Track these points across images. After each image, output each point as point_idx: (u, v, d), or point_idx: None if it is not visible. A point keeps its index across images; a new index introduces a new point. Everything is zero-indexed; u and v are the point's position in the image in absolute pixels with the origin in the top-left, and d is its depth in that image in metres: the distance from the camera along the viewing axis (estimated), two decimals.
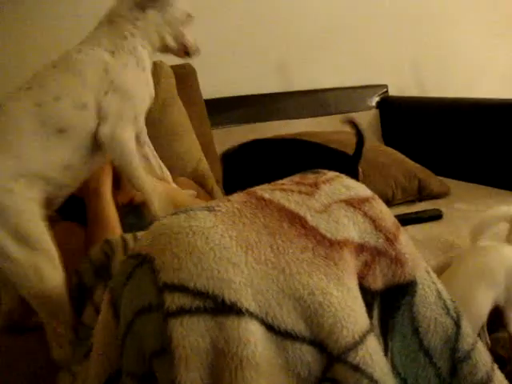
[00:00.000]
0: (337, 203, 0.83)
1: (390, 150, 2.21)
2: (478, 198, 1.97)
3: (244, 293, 0.68)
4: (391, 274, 0.81)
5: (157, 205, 1.20)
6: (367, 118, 2.59)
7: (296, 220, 0.78)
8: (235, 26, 2.35)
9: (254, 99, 2.19)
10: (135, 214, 1.33)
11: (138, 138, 1.27)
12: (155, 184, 1.27)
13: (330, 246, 0.77)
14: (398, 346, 0.81)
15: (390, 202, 1.86)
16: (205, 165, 1.93)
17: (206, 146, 2.01)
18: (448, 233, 1.68)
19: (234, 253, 0.71)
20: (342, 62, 2.61)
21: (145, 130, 1.31)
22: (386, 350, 0.79)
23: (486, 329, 1.42)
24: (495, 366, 0.85)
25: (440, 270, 1.51)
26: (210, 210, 0.77)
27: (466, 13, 3.05)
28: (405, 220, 1.70)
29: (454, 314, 0.84)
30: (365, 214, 0.83)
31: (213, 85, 2.06)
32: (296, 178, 0.90)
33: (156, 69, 1.79)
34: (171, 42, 1.34)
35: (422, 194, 1.96)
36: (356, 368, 0.69)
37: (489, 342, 1.45)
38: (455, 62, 2.99)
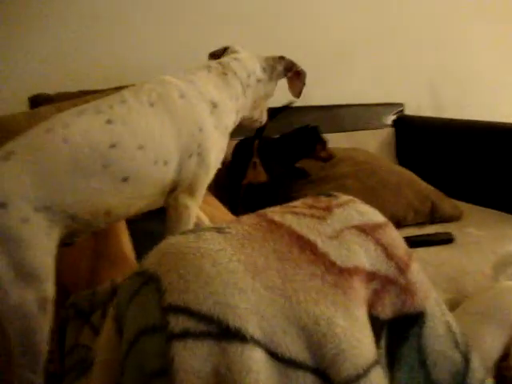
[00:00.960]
0: (349, 229, 0.81)
1: (403, 170, 2.20)
2: (490, 224, 1.95)
3: (249, 319, 0.68)
4: (400, 303, 0.80)
5: None
6: (382, 136, 2.59)
7: (306, 246, 0.77)
8: (249, 39, 2.34)
9: (269, 113, 2.18)
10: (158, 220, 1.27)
11: None
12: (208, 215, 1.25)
13: (339, 273, 0.75)
14: (405, 377, 0.79)
15: (400, 224, 1.84)
16: None
17: None
18: (459, 257, 1.67)
19: (241, 278, 0.70)
20: (359, 78, 2.61)
21: None
22: (391, 381, 0.77)
23: (493, 370, 1.41)
24: None
25: (451, 299, 1.51)
26: (219, 231, 0.77)
27: (485, 35, 3.04)
28: (415, 242, 1.69)
29: (464, 348, 0.82)
30: (377, 242, 0.82)
31: None
32: (309, 200, 0.89)
33: None
34: (257, 116, 1.32)
35: (434, 217, 1.94)
36: None
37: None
38: (472, 83, 2.98)
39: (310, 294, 0.72)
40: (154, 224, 1.23)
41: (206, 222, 1.31)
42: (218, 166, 1.20)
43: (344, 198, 0.90)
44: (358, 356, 0.70)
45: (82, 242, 1.13)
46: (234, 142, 1.93)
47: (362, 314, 0.74)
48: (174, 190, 1.13)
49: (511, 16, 3.12)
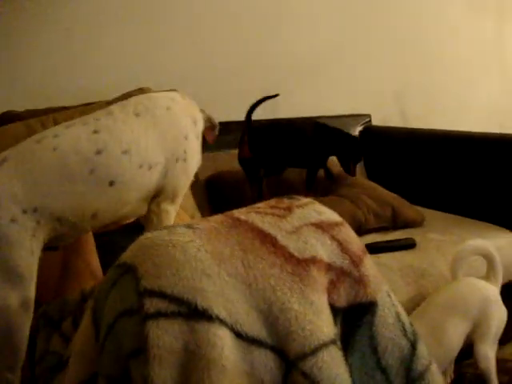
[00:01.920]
0: (307, 226, 0.89)
1: (362, 180, 2.25)
2: (451, 229, 2.00)
3: (215, 301, 0.76)
4: (354, 293, 0.88)
5: None
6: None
7: (267, 239, 0.85)
8: (220, 52, 2.40)
9: (237, 126, 2.22)
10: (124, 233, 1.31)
11: None
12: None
13: (297, 263, 0.84)
14: (357, 363, 0.86)
15: (362, 227, 1.88)
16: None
17: None
18: (420, 261, 1.73)
19: (208, 265, 0.79)
20: (326, 90, 2.66)
21: None
22: None
23: (453, 361, 1.47)
24: None
25: (413, 299, 1.57)
26: (189, 227, 0.85)
27: (449, 46, 3.14)
28: (378, 248, 1.75)
29: (411, 336, 0.90)
30: (333, 237, 0.90)
31: None
32: (272, 202, 0.98)
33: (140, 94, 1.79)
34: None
35: (397, 222, 1.98)
36: (305, 375, 0.76)
37: (452, 374, 1.49)
38: (437, 94, 3.07)
39: (268, 282, 0.80)
40: (118, 237, 1.27)
41: None
42: (193, 177, 1.26)
43: (304, 200, 0.98)
44: (308, 337, 0.78)
45: (50, 254, 1.15)
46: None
47: (318, 299, 0.82)
48: (157, 196, 1.18)
49: (476, 28, 3.25)
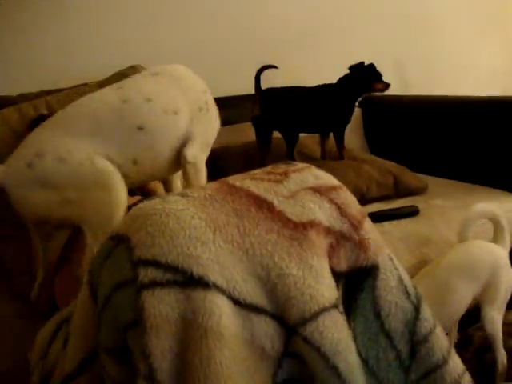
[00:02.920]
0: (304, 190, 0.87)
1: (361, 153, 2.26)
2: (455, 194, 2.00)
3: (211, 268, 0.74)
4: (355, 257, 0.86)
5: None
6: None
7: (263, 204, 0.83)
8: (214, 26, 2.38)
9: (234, 100, 2.22)
10: None
11: None
12: None
13: (294, 227, 0.82)
14: (360, 328, 0.85)
15: (365, 196, 1.87)
16: None
17: None
18: (424, 229, 1.72)
19: (203, 232, 0.77)
20: (325, 60, 2.63)
21: None
22: None
23: (457, 324, 1.47)
24: (452, 351, 0.89)
25: (416, 266, 1.57)
26: (183, 195, 0.84)
27: (449, 12, 3.09)
28: (381, 216, 1.74)
29: (415, 299, 0.88)
30: (331, 201, 0.87)
31: None
32: (268, 168, 0.95)
33: (131, 72, 1.79)
34: None
35: (399, 190, 1.97)
36: (306, 340, 0.75)
37: (456, 335, 1.49)
38: (438, 60, 3.03)
39: (265, 247, 0.78)
40: None
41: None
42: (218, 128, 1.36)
43: (301, 165, 0.96)
44: (308, 302, 0.76)
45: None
46: None
47: (318, 263, 0.80)
48: (187, 144, 1.25)
49: None
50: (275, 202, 0.84)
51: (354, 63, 2.05)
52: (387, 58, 2.77)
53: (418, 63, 2.95)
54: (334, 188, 0.90)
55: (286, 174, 0.90)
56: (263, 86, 1.94)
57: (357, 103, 2.23)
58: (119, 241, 0.78)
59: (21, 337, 1.11)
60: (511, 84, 3.04)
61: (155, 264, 0.73)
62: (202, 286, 0.72)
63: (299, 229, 0.82)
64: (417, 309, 0.87)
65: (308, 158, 2.03)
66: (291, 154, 2.01)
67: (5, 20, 1.98)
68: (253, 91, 1.95)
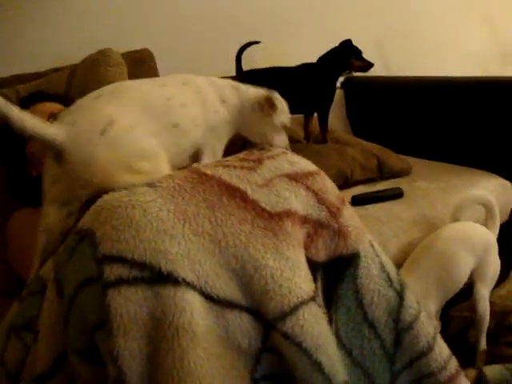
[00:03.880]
0: (279, 177, 0.83)
1: (344, 135, 2.25)
2: (439, 176, 1.98)
3: (181, 263, 0.70)
4: (334, 246, 0.82)
5: None
6: None
7: (236, 193, 0.79)
8: (194, 10, 2.32)
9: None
10: None
11: None
12: None
13: (269, 217, 0.78)
14: (343, 318, 0.82)
15: (348, 179, 1.85)
16: None
17: None
18: (409, 211, 1.70)
19: (171, 225, 0.72)
20: (306, 40, 2.59)
21: None
22: (330, 322, 0.79)
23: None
24: (438, 336, 0.86)
25: (403, 249, 1.56)
26: (150, 185, 0.79)
27: None
28: (365, 199, 1.73)
29: (398, 286, 0.85)
30: (307, 188, 0.83)
31: (175, 67, 2.04)
32: (241, 154, 0.91)
33: (101, 57, 1.76)
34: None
35: (383, 172, 1.96)
36: (286, 335, 0.71)
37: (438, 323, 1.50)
38: (419, 40, 3.00)
39: (239, 238, 0.74)
40: None
41: None
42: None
43: (276, 150, 0.91)
44: (286, 295, 0.72)
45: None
46: None
47: (294, 254, 0.77)
48: (197, 158, 1.32)
49: None
50: (248, 191, 0.79)
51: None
52: (368, 39, 2.75)
53: (398, 44, 2.92)
54: (310, 174, 0.86)
55: (259, 161, 0.86)
56: (245, 68, 1.91)
57: (338, 85, 2.22)
58: (83, 236, 0.74)
59: None
60: (492, 64, 3.03)
61: (121, 260, 0.69)
62: (171, 283, 0.68)
63: (274, 219, 0.78)
64: (400, 296, 0.84)
65: (291, 141, 2.00)
66: None
67: None
68: (234, 73, 1.92)
